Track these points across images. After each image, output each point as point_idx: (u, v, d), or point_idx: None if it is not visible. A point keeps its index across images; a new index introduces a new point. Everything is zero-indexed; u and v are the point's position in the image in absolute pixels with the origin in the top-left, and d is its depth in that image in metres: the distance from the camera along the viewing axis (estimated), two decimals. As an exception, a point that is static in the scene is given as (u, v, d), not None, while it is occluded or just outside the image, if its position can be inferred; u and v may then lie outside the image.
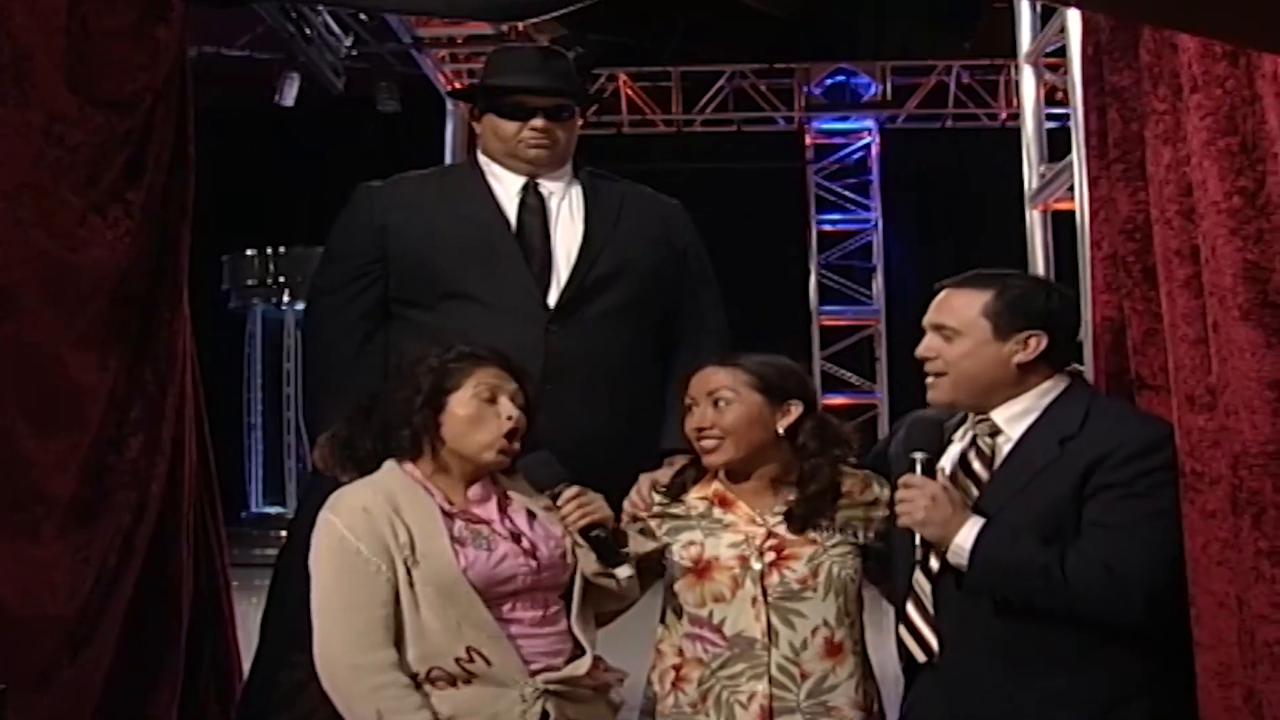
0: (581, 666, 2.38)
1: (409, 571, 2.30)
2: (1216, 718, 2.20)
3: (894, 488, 2.49)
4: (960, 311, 2.50)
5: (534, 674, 2.33)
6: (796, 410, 2.58)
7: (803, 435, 2.59)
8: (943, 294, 2.56)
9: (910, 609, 2.48)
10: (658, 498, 2.67)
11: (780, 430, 2.57)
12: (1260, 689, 2.06)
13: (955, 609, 2.43)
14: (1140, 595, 2.29)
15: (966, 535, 2.35)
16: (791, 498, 2.56)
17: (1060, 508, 2.36)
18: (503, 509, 2.46)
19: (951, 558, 2.38)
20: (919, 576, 2.47)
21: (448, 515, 2.38)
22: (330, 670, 2.28)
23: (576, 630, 2.43)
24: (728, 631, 2.50)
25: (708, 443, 2.57)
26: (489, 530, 2.40)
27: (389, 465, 2.44)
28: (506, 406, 2.44)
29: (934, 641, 2.45)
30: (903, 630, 2.49)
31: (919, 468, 2.45)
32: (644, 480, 2.73)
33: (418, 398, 2.42)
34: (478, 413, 2.42)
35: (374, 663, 2.26)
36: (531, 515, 2.48)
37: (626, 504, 2.69)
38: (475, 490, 2.44)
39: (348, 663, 2.26)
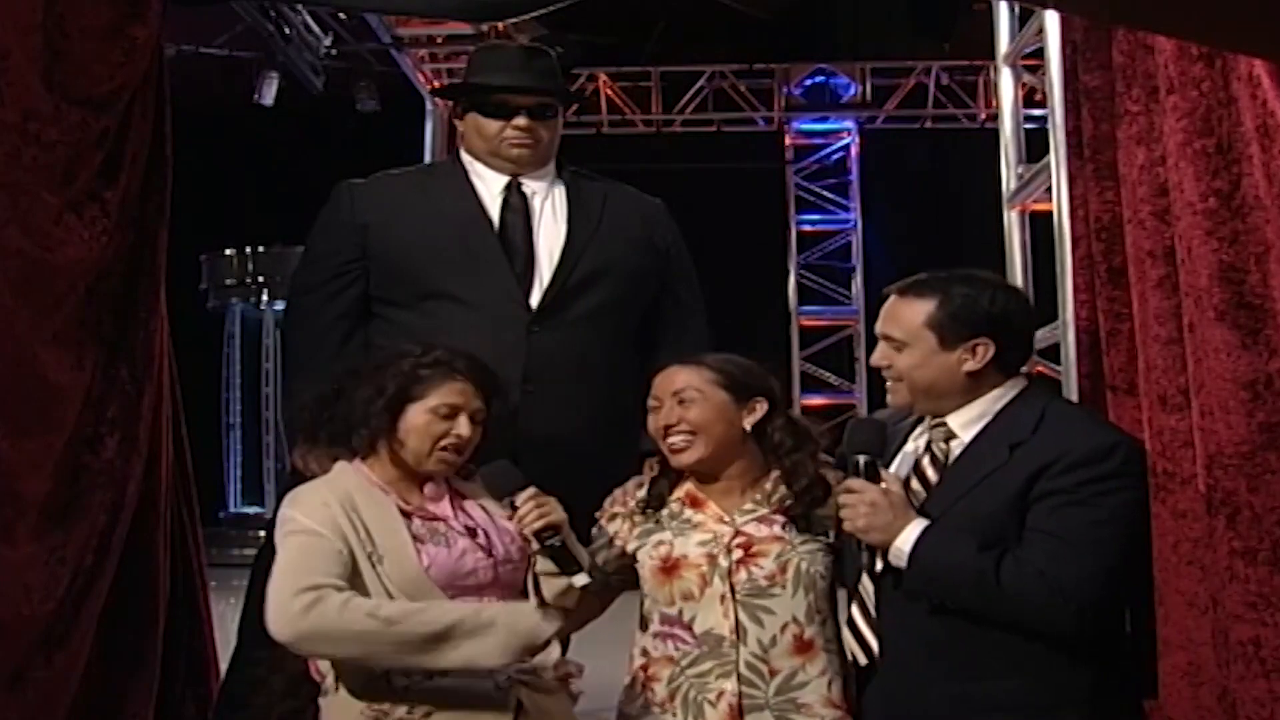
0: (551, 656, 2.40)
1: (374, 568, 2.31)
2: (1185, 717, 2.21)
3: None
4: (905, 322, 2.49)
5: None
6: (762, 408, 2.59)
7: (776, 433, 2.59)
8: (889, 302, 2.54)
9: (854, 611, 2.48)
10: (639, 498, 2.65)
11: (747, 427, 2.58)
12: (1234, 688, 2.06)
13: (896, 611, 2.43)
14: (1073, 605, 2.28)
15: (906, 538, 2.35)
16: (758, 498, 2.56)
17: (1004, 513, 2.35)
18: (456, 506, 2.48)
19: (892, 559, 2.38)
20: (864, 580, 2.47)
21: (405, 514, 2.40)
22: (277, 616, 2.24)
23: None
24: (697, 629, 2.50)
25: (676, 440, 2.56)
26: (445, 527, 2.42)
27: (342, 466, 2.46)
28: (462, 425, 2.43)
29: (874, 644, 2.45)
30: (846, 633, 2.49)
31: (861, 470, 2.44)
32: (632, 483, 2.71)
33: (379, 400, 2.43)
34: (428, 428, 2.43)
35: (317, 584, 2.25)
36: (486, 511, 2.49)
37: (607, 501, 2.69)
38: (429, 489, 2.46)
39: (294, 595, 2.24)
